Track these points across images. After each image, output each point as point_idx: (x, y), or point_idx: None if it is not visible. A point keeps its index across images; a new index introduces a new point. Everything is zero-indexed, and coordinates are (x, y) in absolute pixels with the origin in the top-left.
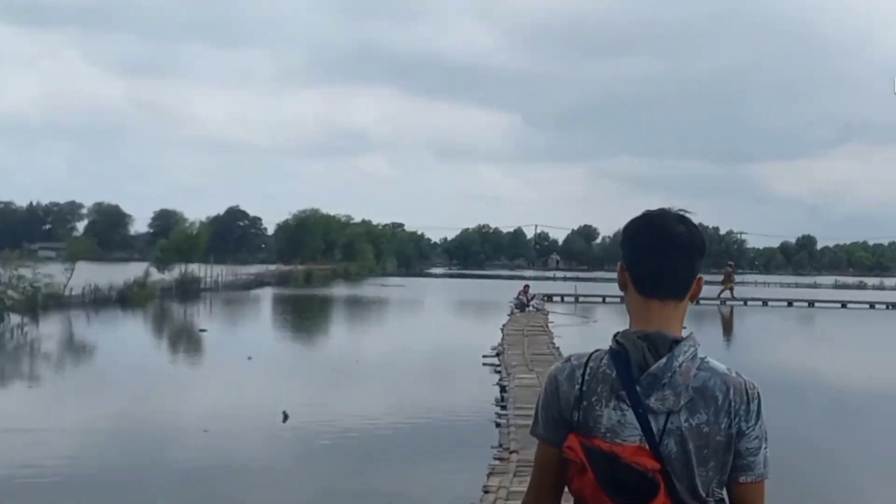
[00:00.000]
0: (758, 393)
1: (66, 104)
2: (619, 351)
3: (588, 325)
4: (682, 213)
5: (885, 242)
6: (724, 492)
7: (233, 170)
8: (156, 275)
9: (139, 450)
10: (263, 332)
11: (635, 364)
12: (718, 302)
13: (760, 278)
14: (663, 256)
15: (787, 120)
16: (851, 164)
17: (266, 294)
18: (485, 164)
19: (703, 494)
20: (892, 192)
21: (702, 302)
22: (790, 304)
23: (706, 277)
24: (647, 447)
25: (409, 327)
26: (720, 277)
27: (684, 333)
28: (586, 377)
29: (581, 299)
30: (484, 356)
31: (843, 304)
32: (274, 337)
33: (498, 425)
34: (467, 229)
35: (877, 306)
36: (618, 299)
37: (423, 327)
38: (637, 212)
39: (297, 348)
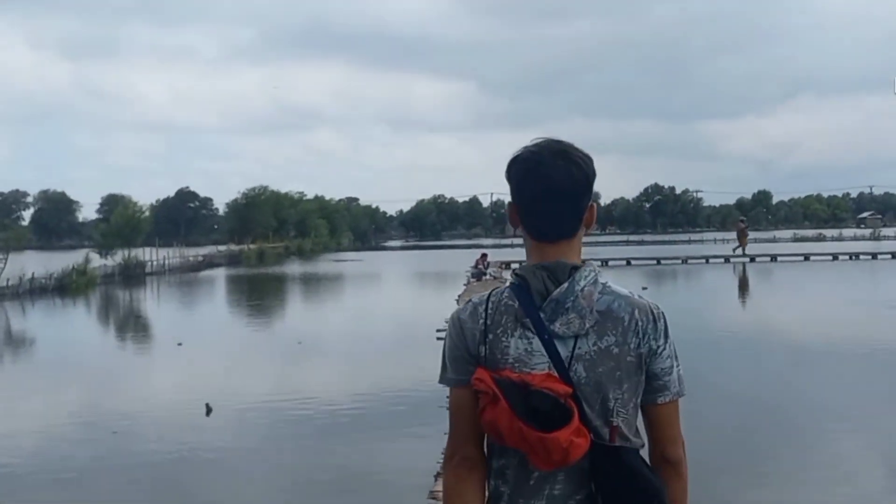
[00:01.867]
0: (662, 313)
1: (7, 89)
2: (520, 283)
3: None
4: (559, 144)
5: (839, 194)
6: (640, 414)
7: (182, 151)
8: (98, 261)
9: (35, 450)
10: (204, 315)
11: (536, 292)
12: (745, 259)
13: (719, 235)
14: (546, 204)
15: (733, 75)
16: (801, 118)
17: (216, 275)
18: (439, 134)
19: (617, 418)
20: (842, 143)
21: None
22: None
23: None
24: (555, 373)
25: (363, 302)
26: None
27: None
28: (489, 311)
29: None
30: (438, 330)
31: (806, 257)
32: (214, 320)
33: None
34: (423, 200)
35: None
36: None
37: (377, 302)
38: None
39: (238, 331)
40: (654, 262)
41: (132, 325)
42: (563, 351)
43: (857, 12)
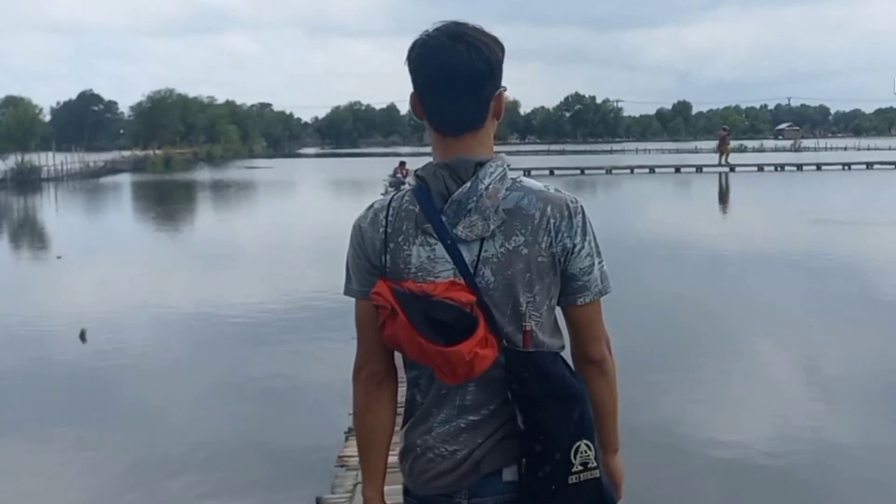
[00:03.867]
0: (581, 208)
1: None
2: (420, 185)
3: None
4: (459, 26)
5: (757, 105)
6: (553, 315)
7: (87, 53)
8: None
9: None
10: (94, 224)
11: (437, 195)
12: (726, 168)
13: (641, 146)
14: (443, 91)
15: None
16: (722, 28)
17: (118, 182)
18: (356, 39)
19: (529, 321)
20: (762, 55)
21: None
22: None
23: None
24: (461, 280)
25: (270, 211)
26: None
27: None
28: (390, 218)
29: None
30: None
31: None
32: (104, 230)
33: None
34: (338, 107)
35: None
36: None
37: (285, 211)
38: (506, 83)
39: (130, 241)
40: (579, 171)
41: (7, 235)
42: (468, 256)
43: None
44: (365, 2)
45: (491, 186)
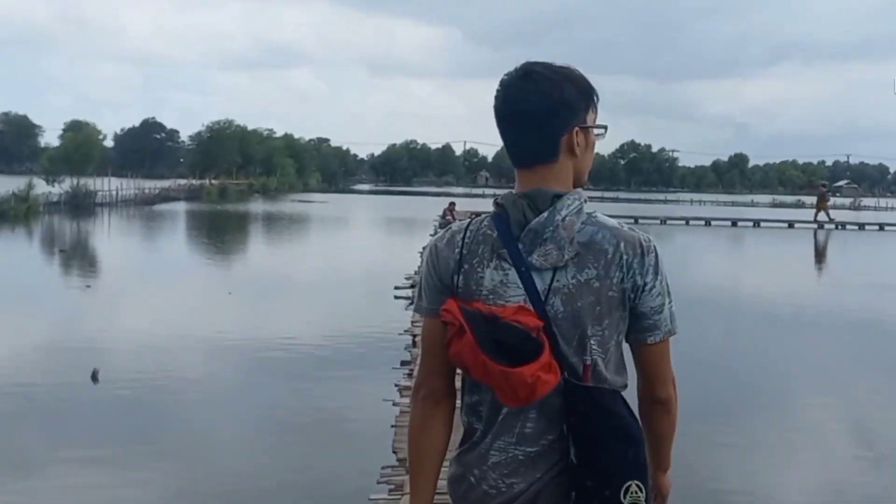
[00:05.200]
0: (654, 247)
1: None
2: (499, 212)
3: None
4: (531, 65)
5: (815, 161)
6: (620, 352)
7: (155, 83)
8: (44, 187)
9: None
10: (137, 253)
11: (515, 223)
12: (815, 225)
13: (696, 196)
14: (509, 125)
15: (720, 38)
16: (783, 84)
17: (171, 210)
18: (418, 80)
19: (592, 356)
20: (821, 110)
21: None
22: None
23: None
24: (529, 306)
25: (320, 248)
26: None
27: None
28: (466, 240)
29: None
30: (396, 288)
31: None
32: (147, 259)
33: (404, 363)
34: (394, 145)
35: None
36: None
37: (335, 249)
38: None
39: (172, 273)
40: (632, 220)
41: (48, 260)
42: (540, 284)
43: None
44: (429, 44)
45: (567, 218)
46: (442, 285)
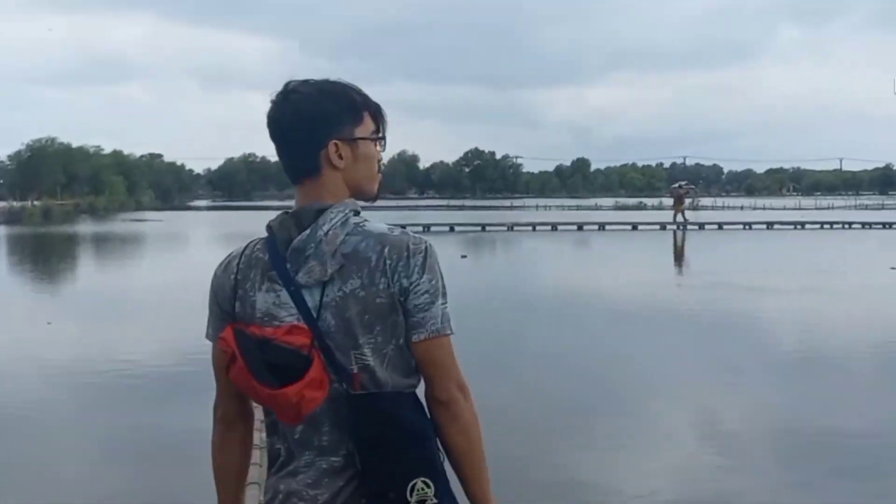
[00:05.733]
0: (425, 248)
1: None
2: (269, 234)
3: None
4: (292, 83)
5: (653, 163)
6: (406, 354)
7: None
8: None
9: None
10: None
11: (282, 243)
12: (675, 227)
13: (541, 202)
14: (275, 143)
15: (560, 45)
16: (621, 89)
17: None
18: (254, 92)
19: (357, 364)
20: (658, 115)
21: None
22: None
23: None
24: (303, 324)
25: (148, 267)
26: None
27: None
28: (241, 265)
29: None
30: None
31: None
32: None
33: None
34: (232, 159)
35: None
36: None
37: (171, 268)
38: (406, 137)
39: None
40: (480, 228)
41: None
42: (311, 301)
43: None
44: (264, 56)
45: (330, 232)
46: (222, 311)
